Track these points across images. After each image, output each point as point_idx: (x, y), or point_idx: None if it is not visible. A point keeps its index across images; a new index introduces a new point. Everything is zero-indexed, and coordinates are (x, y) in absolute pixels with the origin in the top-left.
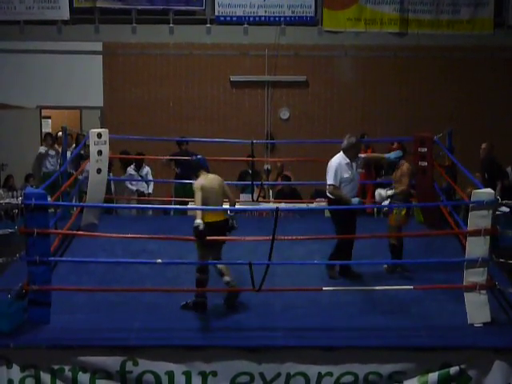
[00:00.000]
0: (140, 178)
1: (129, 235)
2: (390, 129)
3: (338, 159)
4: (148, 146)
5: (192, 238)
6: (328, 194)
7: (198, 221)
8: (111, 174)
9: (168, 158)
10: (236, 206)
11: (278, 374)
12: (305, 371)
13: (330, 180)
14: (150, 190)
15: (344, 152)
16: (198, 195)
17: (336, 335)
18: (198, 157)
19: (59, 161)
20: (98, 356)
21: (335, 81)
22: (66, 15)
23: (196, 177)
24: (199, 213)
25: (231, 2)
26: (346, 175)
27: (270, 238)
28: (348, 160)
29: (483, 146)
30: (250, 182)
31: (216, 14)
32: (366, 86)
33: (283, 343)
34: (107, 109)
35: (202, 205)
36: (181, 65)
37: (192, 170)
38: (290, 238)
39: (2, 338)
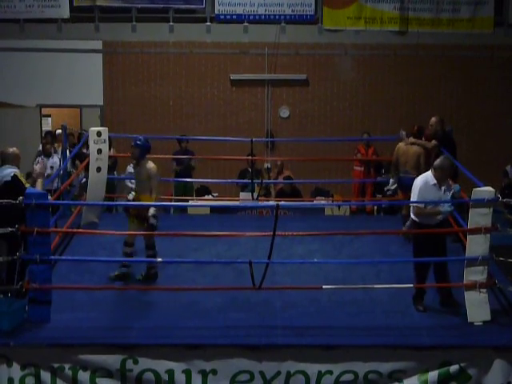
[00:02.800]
0: None
1: (129, 232)
2: (390, 127)
3: (425, 178)
4: None
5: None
6: (412, 217)
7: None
8: (115, 172)
9: (173, 159)
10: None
11: (278, 373)
12: (305, 370)
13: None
14: None
15: (432, 171)
16: (157, 180)
17: (336, 334)
18: (147, 140)
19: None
20: (98, 354)
21: (335, 79)
22: (66, 14)
23: (141, 159)
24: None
25: (231, 1)
26: (431, 197)
27: (271, 233)
28: (435, 181)
29: (433, 119)
30: (249, 181)
31: (216, 12)
32: (367, 85)
33: (283, 342)
34: (107, 107)
35: None
36: (181, 63)
37: (144, 153)
38: (290, 233)
39: (3, 337)
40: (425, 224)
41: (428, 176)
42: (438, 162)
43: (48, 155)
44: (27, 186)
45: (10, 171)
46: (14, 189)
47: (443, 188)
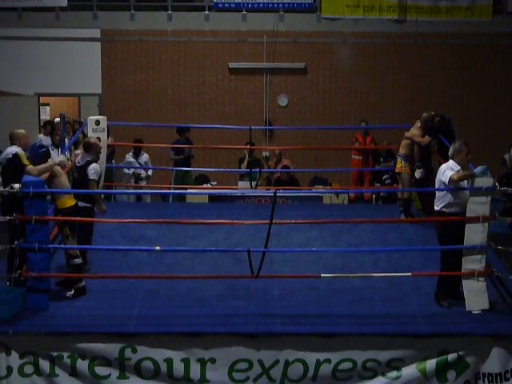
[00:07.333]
0: (138, 165)
1: (127, 220)
2: (388, 116)
3: (448, 164)
4: (146, 133)
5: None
6: (435, 207)
7: None
8: (113, 161)
9: (171, 148)
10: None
11: (277, 361)
12: (303, 358)
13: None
14: (150, 173)
15: (452, 159)
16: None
17: (334, 322)
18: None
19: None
20: (96, 343)
21: (334, 68)
22: (64, 2)
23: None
24: None
25: None
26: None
27: (268, 221)
28: (459, 167)
29: (424, 115)
30: (248, 170)
31: (214, 0)
32: (365, 73)
33: (282, 330)
34: (105, 96)
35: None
36: (179, 52)
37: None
38: (287, 221)
39: (1, 325)
40: (452, 213)
41: (451, 164)
42: (450, 151)
43: (57, 146)
44: (28, 166)
45: (12, 150)
46: (14, 167)
47: None
